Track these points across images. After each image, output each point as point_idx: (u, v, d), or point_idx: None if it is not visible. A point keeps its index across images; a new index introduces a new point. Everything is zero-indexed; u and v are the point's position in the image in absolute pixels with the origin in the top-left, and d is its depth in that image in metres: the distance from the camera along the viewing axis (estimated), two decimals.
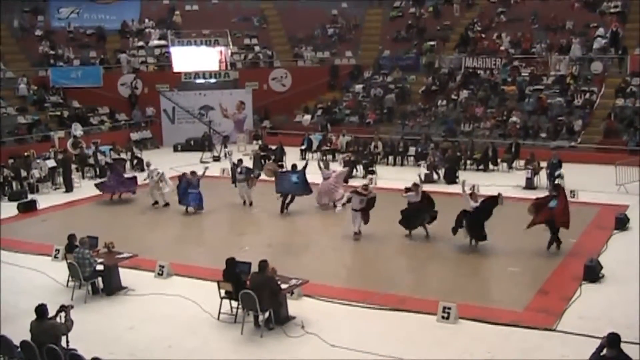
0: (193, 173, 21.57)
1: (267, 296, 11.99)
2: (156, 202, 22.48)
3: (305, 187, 21.26)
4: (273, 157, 28.28)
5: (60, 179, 25.60)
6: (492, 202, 16.80)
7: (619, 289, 13.77)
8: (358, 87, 37.26)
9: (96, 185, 23.93)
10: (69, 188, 25.04)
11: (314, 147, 30.80)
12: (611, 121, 28.62)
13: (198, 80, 36.64)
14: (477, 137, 29.72)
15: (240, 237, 18.99)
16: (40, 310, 10.13)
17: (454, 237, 16.94)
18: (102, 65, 36.54)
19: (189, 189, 21.28)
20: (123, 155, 28.78)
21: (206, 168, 22.75)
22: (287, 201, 21.11)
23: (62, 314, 10.33)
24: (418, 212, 17.79)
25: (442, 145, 27.57)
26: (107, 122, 34.70)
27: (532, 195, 19.18)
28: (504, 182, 22.23)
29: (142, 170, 25.44)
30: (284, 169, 23.76)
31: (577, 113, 30.00)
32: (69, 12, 38.81)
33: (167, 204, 22.33)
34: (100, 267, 14.30)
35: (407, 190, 18.04)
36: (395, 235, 17.66)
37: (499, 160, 26.89)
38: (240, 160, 22.51)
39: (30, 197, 23.51)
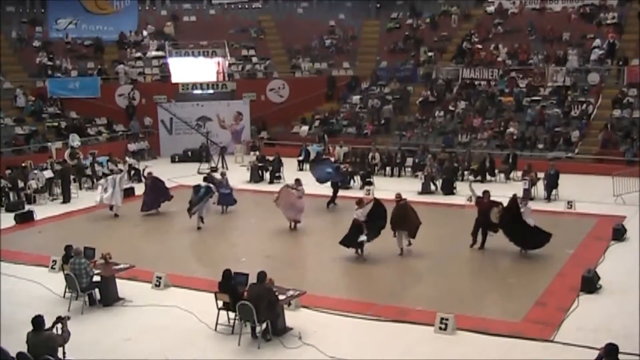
0: (222, 174, 22.76)
1: (265, 307, 11.95)
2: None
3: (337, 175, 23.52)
4: (270, 168, 28.29)
5: (57, 190, 25.55)
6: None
7: (616, 300, 13.76)
8: (355, 98, 37.34)
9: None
10: (66, 199, 25.00)
11: (312, 158, 30.81)
12: (608, 132, 28.69)
13: (195, 91, 36.73)
14: (475, 148, 29.75)
15: (237, 248, 18.96)
16: (37, 321, 10.09)
17: (455, 247, 16.94)
18: (100, 76, 36.54)
19: (220, 189, 21.77)
20: (120, 166, 28.73)
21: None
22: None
23: (59, 325, 10.30)
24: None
25: (439, 156, 27.60)
26: (104, 133, 34.72)
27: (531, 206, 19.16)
28: (502, 193, 22.17)
29: (140, 181, 25.40)
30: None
31: (574, 124, 30.10)
32: (66, 23, 38.85)
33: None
34: (97, 278, 14.26)
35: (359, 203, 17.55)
36: (392, 247, 17.60)
37: (496, 171, 26.92)
38: (205, 178, 21.79)
39: (27, 208, 23.46)
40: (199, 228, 20.56)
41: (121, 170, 26.85)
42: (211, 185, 21.05)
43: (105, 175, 27.06)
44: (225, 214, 22.36)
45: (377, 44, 41.37)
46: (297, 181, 20.48)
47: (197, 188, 20.75)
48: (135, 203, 23.58)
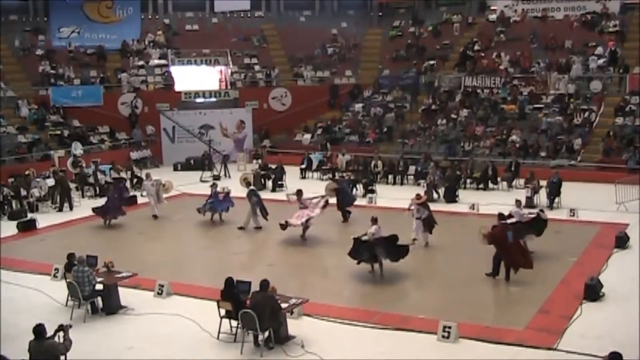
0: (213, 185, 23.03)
1: (268, 315, 11.93)
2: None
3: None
4: (273, 176, 28.30)
5: (59, 198, 25.48)
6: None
7: (619, 308, 13.73)
8: (358, 106, 37.38)
9: (94, 210, 22.99)
10: (62, 208, 24.93)
11: (314, 166, 30.86)
12: (611, 140, 28.69)
13: (198, 100, 36.83)
14: (477, 156, 29.74)
15: (240, 256, 18.94)
16: (39, 330, 10.03)
17: (458, 255, 16.90)
18: (103, 84, 36.61)
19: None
20: (123, 175, 28.75)
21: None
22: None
23: (61, 333, 10.26)
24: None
25: (442, 164, 27.57)
26: (107, 141, 34.75)
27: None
28: (504, 201, 22.18)
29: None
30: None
31: (576, 132, 30.06)
32: (69, 31, 38.99)
33: (155, 216, 23.25)
34: (99, 287, 14.25)
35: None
36: None
37: (498, 179, 26.91)
38: (249, 183, 22.56)
39: (29, 216, 23.46)
40: (259, 227, 21.15)
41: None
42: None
43: (107, 183, 27.10)
44: (221, 222, 22.40)
45: (380, 52, 41.44)
46: (299, 192, 20.39)
47: (253, 193, 21.34)
48: (137, 211, 23.61)
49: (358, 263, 16.37)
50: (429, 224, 18.59)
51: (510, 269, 15.54)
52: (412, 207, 18.81)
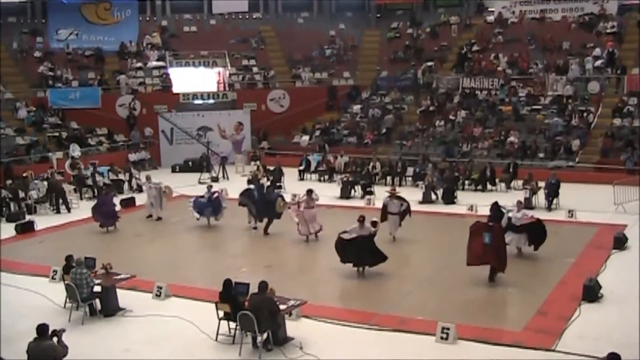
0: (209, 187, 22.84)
1: (266, 317, 11.93)
2: (150, 215, 23.38)
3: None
4: (271, 178, 28.26)
5: (59, 200, 25.46)
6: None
7: (618, 309, 13.73)
8: (356, 107, 37.39)
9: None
10: (60, 210, 24.98)
11: (312, 167, 30.84)
12: (608, 141, 28.72)
13: (196, 101, 36.84)
14: (475, 157, 29.73)
15: (238, 258, 18.92)
16: (42, 329, 9.98)
17: (456, 256, 16.90)
18: (101, 86, 36.61)
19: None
20: (121, 176, 28.74)
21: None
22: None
23: (55, 338, 10.19)
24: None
25: (440, 165, 27.58)
26: (105, 143, 34.72)
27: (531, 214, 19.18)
28: (502, 202, 22.14)
29: (141, 191, 25.30)
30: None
31: (574, 133, 30.08)
32: (67, 33, 38.94)
33: (159, 218, 23.25)
34: (97, 289, 14.23)
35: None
36: (393, 256, 17.54)
37: (497, 180, 26.92)
38: (249, 181, 22.72)
39: (28, 218, 23.42)
40: (255, 228, 21.25)
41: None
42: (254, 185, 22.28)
43: (106, 185, 27.05)
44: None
45: (378, 54, 41.46)
46: (310, 192, 20.34)
47: (249, 192, 21.36)
48: (135, 213, 23.58)
49: (343, 262, 16.56)
50: (404, 215, 19.32)
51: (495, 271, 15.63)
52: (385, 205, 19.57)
